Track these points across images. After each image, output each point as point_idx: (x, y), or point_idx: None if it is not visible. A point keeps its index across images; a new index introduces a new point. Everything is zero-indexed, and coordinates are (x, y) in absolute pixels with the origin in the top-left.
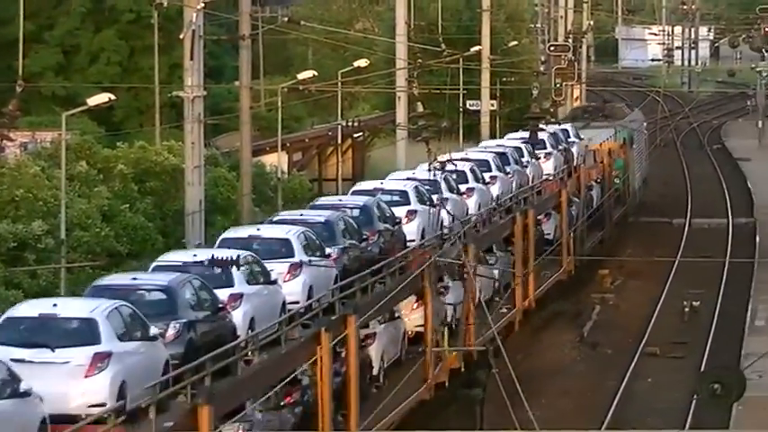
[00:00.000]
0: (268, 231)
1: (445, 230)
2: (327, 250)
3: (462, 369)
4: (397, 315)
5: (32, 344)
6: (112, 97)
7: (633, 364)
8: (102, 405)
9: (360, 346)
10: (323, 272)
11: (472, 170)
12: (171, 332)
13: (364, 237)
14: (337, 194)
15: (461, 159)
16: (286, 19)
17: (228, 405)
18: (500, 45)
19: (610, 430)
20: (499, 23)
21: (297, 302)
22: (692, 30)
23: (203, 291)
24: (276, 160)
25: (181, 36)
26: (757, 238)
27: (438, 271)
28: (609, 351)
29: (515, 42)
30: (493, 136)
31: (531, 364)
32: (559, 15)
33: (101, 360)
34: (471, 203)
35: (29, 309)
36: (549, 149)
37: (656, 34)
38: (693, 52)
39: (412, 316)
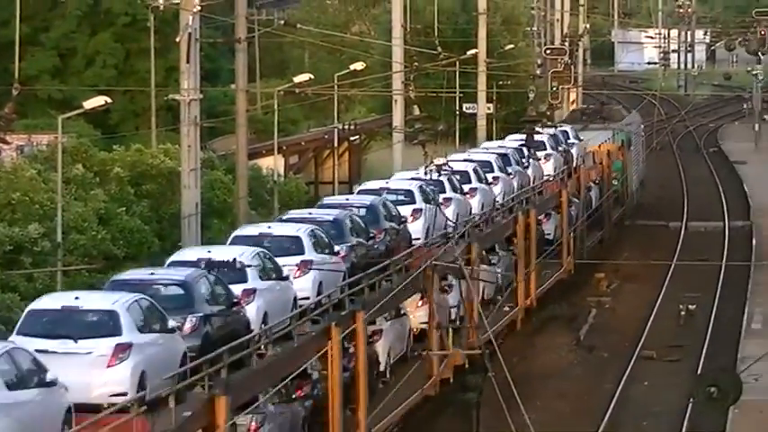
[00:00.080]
0: (279, 229)
1: (448, 230)
2: (336, 248)
3: (467, 366)
4: (402, 312)
5: (56, 335)
6: (108, 100)
7: (629, 368)
8: (124, 395)
9: (367, 343)
10: (333, 268)
11: (475, 170)
12: (188, 325)
13: (371, 235)
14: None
15: (464, 160)
16: (282, 22)
17: (244, 396)
18: (496, 48)
19: None
20: (495, 26)
21: (307, 298)
22: (689, 33)
23: (218, 286)
24: (272, 163)
25: (177, 39)
26: (753, 242)
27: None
28: (605, 354)
29: (512, 45)
30: (489, 139)
31: (528, 367)
32: (556, 18)
33: (122, 351)
34: (474, 203)
35: (51, 301)
36: (549, 150)
37: (652, 37)
38: (689, 55)
39: (417, 313)
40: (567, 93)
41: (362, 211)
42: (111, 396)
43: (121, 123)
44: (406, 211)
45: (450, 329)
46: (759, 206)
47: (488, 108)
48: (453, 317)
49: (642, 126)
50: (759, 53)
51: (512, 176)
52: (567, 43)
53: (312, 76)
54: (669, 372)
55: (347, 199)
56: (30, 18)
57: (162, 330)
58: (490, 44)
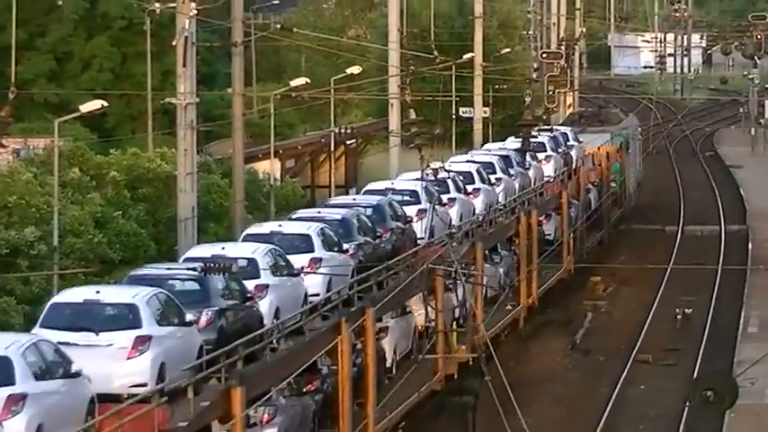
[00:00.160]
0: (289, 227)
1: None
2: (344, 246)
3: (471, 363)
4: (408, 310)
5: (78, 328)
6: (105, 104)
7: (626, 371)
8: (144, 385)
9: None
10: (342, 265)
11: (478, 171)
12: (204, 319)
13: (378, 234)
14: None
15: (467, 161)
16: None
17: (258, 388)
18: (492, 52)
19: None
20: (492, 30)
21: (317, 295)
22: (685, 37)
23: (232, 281)
24: (269, 167)
25: (173, 43)
26: (750, 246)
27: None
28: (601, 358)
29: (508, 49)
30: (485, 143)
31: (524, 370)
32: (552, 22)
33: (142, 343)
34: (478, 203)
35: (73, 295)
36: (550, 152)
37: (648, 41)
38: (686, 59)
39: (422, 311)
40: (563, 97)
41: (369, 211)
42: (131, 387)
43: (118, 127)
44: (411, 211)
45: (455, 327)
46: (755, 210)
47: (485, 112)
48: (457, 315)
49: (639, 129)
50: (755, 57)
51: (513, 177)
52: (563, 47)
53: (308, 80)
54: (665, 375)
55: (354, 199)
56: (26, 22)
57: (180, 324)
58: (486, 48)
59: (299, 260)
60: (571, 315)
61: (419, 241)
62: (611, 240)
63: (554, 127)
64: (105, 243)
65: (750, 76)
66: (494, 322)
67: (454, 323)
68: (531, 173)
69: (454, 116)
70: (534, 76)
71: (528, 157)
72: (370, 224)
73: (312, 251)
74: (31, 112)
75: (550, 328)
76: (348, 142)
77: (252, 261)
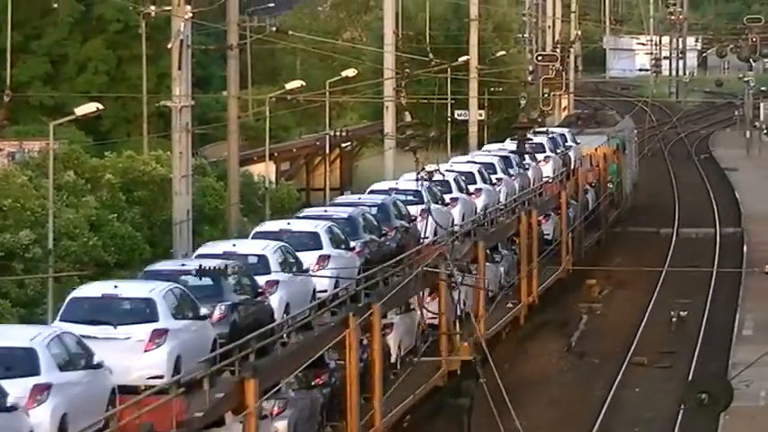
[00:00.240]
0: (298, 225)
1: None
2: (351, 244)
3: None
4: (411, 307)
5: (96, 321)
6: (100, 107)
7: (621, 374)
8: (160, 377)
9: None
10: (348, 263)
11: (480, 172)
12: (217, 314)
13: (383, 232)
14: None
15: (468, 162)
16: (274, 29)
17: (270, 380)
18: (488, 55)
19: None
20: (487, 33)
21: (325, 291)
22: (680, 40)
23: (244, 277)
24: (264, 170)
25: (169, 46)
26: (745, 248)
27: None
28: (596, 360)
29: (503, 52)
30: (480, 146)
31: (519, 373)
32: (547, 25)
33: (158, 336)
34: (479, 203)
35: (92, 290)
36: (548, 153)
37: (643, 44)
38: (681, 62)
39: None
40: (558, 99)
41: (374, 210)
42: (148, 378)
43: (113, 130)
44: (414, 210)
45: (458, 323)
46: (750, 213)
47: (480, 115)
48: (459, 312)
49: (635, 130)
50: (750, 60)
51: (513, 178)
52: (558, 50)
53: (304, 83)
54: (660, 378)
55: (359, 198)
56: (21, 25)
57: (194, 317)
58: (482, 51)
59: (307, 257)
60: (567, 317)
61: (422, 240)
62: (607, 242)
63: (549, 129)
64: (100, 246)
65: (745, 79)
66: (495, 320)
67: (457, 322)
68: (530, 173)
69: (449, 119)
70: (529, 78)
71: (527, 158)
72: (375, 223)
73: (320, 248)
74: (26, 114)
75: (546, 330)
76: (343, 145)
77: (262, 257)
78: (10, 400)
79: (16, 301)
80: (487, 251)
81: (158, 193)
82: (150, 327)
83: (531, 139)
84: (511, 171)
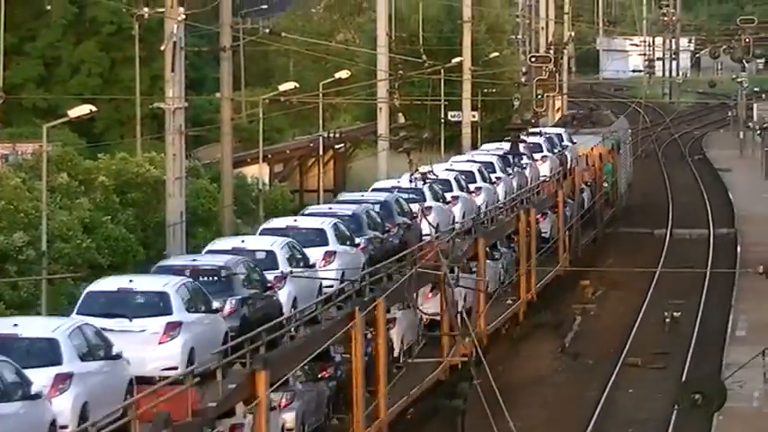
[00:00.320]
0: (304, 222)
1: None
2: (356, 240)
3: (473, 355)
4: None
5: (112, 314)
6: (93, 109)
7: (614, 375)
8: (175, 369)
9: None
10: (353, 259)
11: (480, 171)
12: (228, 308)
13: (386, 229)
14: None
15: (468, 161)
16: (267, 30)
17: (280, 372)
18: (481, 56)
19: None
20: (480, 35)
21: (331, 286)
22: (673, 41)
23: (254, 272)
24: (257, 172)
25: (162, 48)
26: (738, 249)
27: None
28: (590, 361)
29: (496, 53)
30: (474, 147)
31: (513, 374)
32: (540, 27)
33: (172, 329)
34: (479, 201)
35: (108, 284)
36: (546, 152)
37: (637, 45)
38: (674, 63)
39: (427, 304)
40: (551, 101)
41: (377, 207)
42: (162, 370)
43: (106, 132)
44: (416, 208)
45: (460, 319)
46: (744, 213)
47: (473, 116)
48: (460, 308)
49: (629, 131)
50: (744, 61)
51: (512, 176)
52: (551, 51)
53: (297, 85)
54: (654, 379)
55: (363, 195)
56: (15, 27)
57: (207, 311)
58: (475, 52)
59: (313, 253)
60: (561, 318)
61: (424, 237)
62: (601, 242)
63: (542, 130)
64: (94, 248)
65: (738, 80)
66: (494, 317)
67: (458, 318)
68: (528, 172)
69: (443, 120)
70: (523, 80)
71: (525, 157)
72: (379, 219)
73: (326, 245)
74: (19, 117)
75: (539, 332)
76: (337, 146)
77: (270, 253)
78: (34, 389)
79: (10, 302)
80: (487, 249)
81: (152, 195)
82: (165, 320)
83: (525, 140)
84: (509, 170)
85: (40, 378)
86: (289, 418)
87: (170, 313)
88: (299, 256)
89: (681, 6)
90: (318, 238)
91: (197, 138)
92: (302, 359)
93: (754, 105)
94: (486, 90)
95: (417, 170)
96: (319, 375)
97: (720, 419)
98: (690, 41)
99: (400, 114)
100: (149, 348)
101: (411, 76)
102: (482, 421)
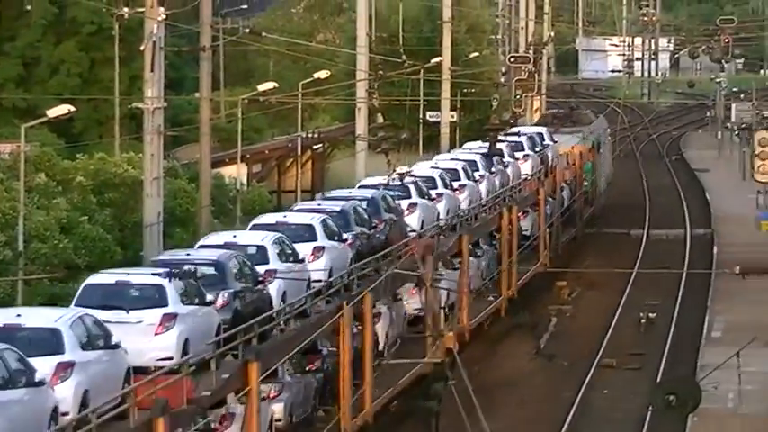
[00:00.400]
0: (293, 218)
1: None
2: (344, 236)
3: (456, 349)
4: (399, 297)
5: (110, 306)
6: (72, 109)
7: (589, 376)
8: (170, 359)
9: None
10: (341, 254)
11: (464, 169)
12: (220, 301)
13: (373, 225)
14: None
15: (452, 159)
16: (247, 30)
17: (271, 363)
18: (461, 56)
19: None
20: (460, 35)
21: (320, 280)
22: (652, 41)
23: (245, 266)
24: (235, 172)
25: (141, 48)
26: (715, 250)
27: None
28: (565, 362)
29: (476, 54)
30: (452, 147)
31: (488, 375)
32: (520, 27)
33: (168, 320)
34: (463, 198)
35: (105, 277)
36: (527, 151)
37: (616, 45)
38: (653, 63)
39: (410, 300)
40: (530, 101)
41: (365, 204)
42: (158, 360)
43: (85, 132)
44: (403, 204)
45: (443, 314)
46: (720, 214)
47: (452, 116)
48: (443, 304)
49: (608, 130)
50: (722, 61)
51: (494, 175)
52: (531, 51)
53: (276, 85)
54: (629, 380)
55: (350, 192)
56: None
57: (201, 303)
58: (454, 52)
59: (302, 248)
60: (537, 319)
61: (410, 233)
62: (578, 243)
63: (520, 130)
64: (71, 248)
65: (717, 80)
66: (476, 312)
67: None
68: (509, 170)
69: (421, 120)
70: (502, 80)
71: (507, 156)
72: (366, 216)
73: (315, 240)
74: None
75: (515, 333)
76: (315, 147)
77: (261, 248)
78: (38, 376)
79: None
80: (470, 246)
81: (129, 195)
82: (160, 311)
83: (503, 141)
84: (492, 168)
85: (42, 366)
86: (277, 408)
87: (166, 305)
88: (290, 251)
89: (660, 6)
90: (307, 233)
91: (175, 138)
92: (292, 351)
93: (733, 106)
94: (465, 90)
95: (395, 170)
96: (307, 368)
97: (695, 420)
98: (669, 42)
99: (379, 115)
100: (145, 339)
101: (390, 76)
102: (457, 422)
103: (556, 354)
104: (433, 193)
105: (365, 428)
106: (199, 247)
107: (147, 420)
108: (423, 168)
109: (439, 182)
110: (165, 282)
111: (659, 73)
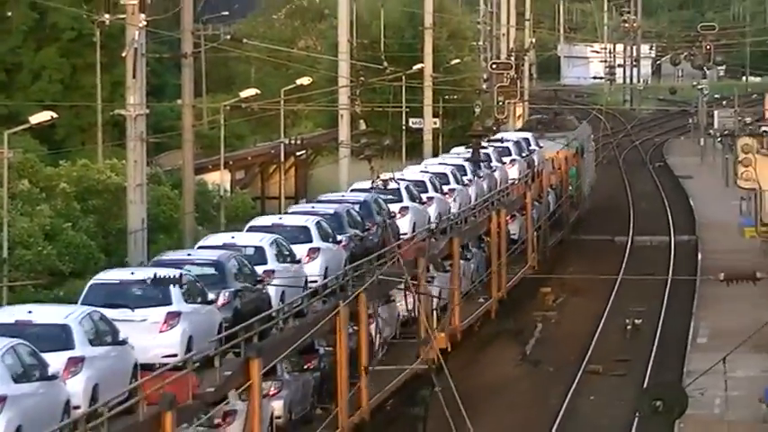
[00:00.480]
0: (289, 220)
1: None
2: (338, 237)
3: (449, 349)
4: (392, 299)
5: (115, 304)
6: (54, 115)
7: (575, 382)
8: (174, 356)
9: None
10: (336, 255)
11: (453, 173)
12: (221, 299)
13: (366, 227)
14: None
15: (440, 164)
16: (228, 37)
17: (271, 360)
18: (442, 63)
19: None
20: (442, 41)
21: (316, 281)
22: (634, 47)
23: (244, 266)
24: (219, 178)
25: (123, 54)
26: (699, 256)
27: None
28: (551, 369)
29: (458, 60)
30: (435, 154)
31: (474, 381)
32: (501, 33)
33: (172, 318)
34: (453, 202)
35: (111, 275)
36: (514, 156)
37: (598, 52)
38: (635, 70)
39: (403, 301)
40: (512, 107)
41: (357, 207)
42: (163, 357)
43: (67, 138)
44: (394, 208)
45: (436, 315)
46: (704, 220)
47: (434, 123)
48: (434, 306)
49: (592, 135)
50: (704, 68)
51: (482, 179)
52: (512, 58)
53: (258, 91)
54: (615, 386)
55: (343, 196)
56: None
57: (203, 302)
58: (436, 59)
59: (298, 250)
60: (522, 325)
61: (402, 236)
62: (562, 249)
63: (503, 136)
64: (55, 255)
65: (699, 87)
66: (468, 314)
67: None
68: (497, 175)
69: (404, 127)
70: (484, 86)
71: (494, 161)
72: (359, 218)
73: (310, 241)
74: None
75: (501, 339)
76: (298, 153)
77: (259, 249)
78: (50, 371)
79: None
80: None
81: (113, 201)
82: (165, 310)
83: (491, 146)
84: (480, 173)
85: (53, 361)
86: (277, 406)
87: (170, 303)
88: (287, 252)
89: (641, 13)
90: (303, 235)
91: (158, 144)
92: (292, 349)
93: (715, 112)
94: (447, 97)
95: (378, 177)
96: (304, 367)
97: (681, 427)
98: (651, 48)
99: (362, 121)
100: (150, 337)
101: (372, 82)
102: (444, 428)
103: (542, 360)
104: (423, 196)
105: (361, 426)
106: (198, 248)
107: (155, 414)
108: (413, 172)
109: (429, 185)
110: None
111: (641, 79)
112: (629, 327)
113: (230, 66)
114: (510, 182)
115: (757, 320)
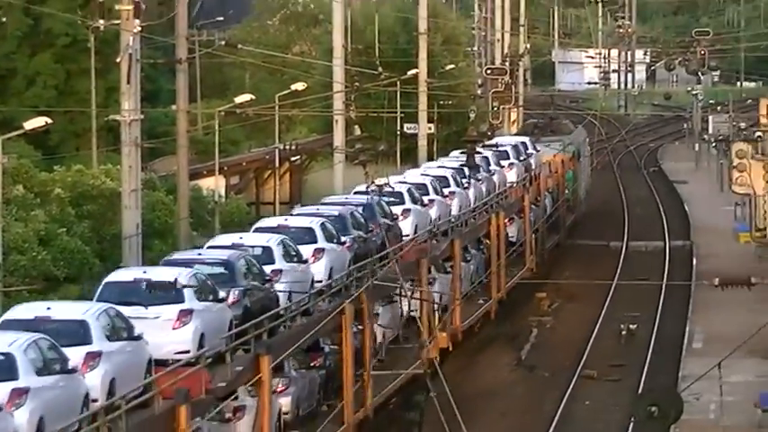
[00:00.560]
0: (294, 221)
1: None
2: (342, 238)
3: (450, 349)
4: (394, 299)
5: (129, 302)
6: (49, 121)
7: (571, 387)
8: (187, 352)
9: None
10: (340, 256)
11: (453, 176)
12: (231, 298)
13: (369, 229)
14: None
15: (439, 167)
16: (223, 42)
17: (279, 356)
18: (437, 68)
19: None
20: (436, 47)
21: (320, 281)
22: (629, 53)
23: (253, 266)
24: (213, 184)
25: (117, 59)
26: (694, 261)
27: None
28: (546, 374)
29: (452, 65)
30: (430, 159)
31: (470, 386)
32: (496, 38)
33: (185, 316)
34: (454, 205)
35: (124, 275)
36: (512, 160)
37: (592, 57)
38: (630, 75)
39: (405, 301)
40: (507, 113)
41: (361, 209)
42: (175, 353)
43: (62, 144)
44: (397, 210)
45: (437, 315)
46: (699, 225)
47: (429, 128)
48: (435, 306)
49: (587, 140)
50: (699, 73)
51: (481, 182)
52: (507, 63)
53: (253, 97)
54: (610, 391)
55: (347, 198)
56: None
57: (214, 300)
58: (431, 64)
59: (303, 250)
60: (517, 331)
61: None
62: (558, 254)
63: (498, 142)
64: (50, 260)
65: (694, 92)
66: (468, 314)
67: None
68: (495, 178)
69: (399, 132)
70: (479, 92)
71: (492, 164)
72: (362, 220)
73: (315, 242)
74: None
75: (496, 344)
76: (293, 159)
77: (267, 249)
78: (70, 365)
79: None
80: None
81: (108, 207)
82: (177, 307)
83: (489, 150)
84: (478, 176)
85: (71, 356)
86: (285, 402)
87: (182, 301)
88: (293, 253)
89: (636, 18)
90: (308, 236)
91: (153, 150)
92: (299, 345)
93: (710, 118)
94: (442, 102)
95: (373, 182)
96: (311, 364)
97: (677, 431)
98: (645, 54)
99: (356, 126)
100: (163, 333)
101: (367, 88)
102: None
103: (537, 365)
104: (425, 199)
105: (365, 422)
106: (208, 248)
107: (170, 408)
108: (414, 175)
109: (430, 188)
110: (181, 279)
111: (635, 85)
112: (624, 332)
113: (225, 71)
114: (508, 185)
115: (752, 325)
